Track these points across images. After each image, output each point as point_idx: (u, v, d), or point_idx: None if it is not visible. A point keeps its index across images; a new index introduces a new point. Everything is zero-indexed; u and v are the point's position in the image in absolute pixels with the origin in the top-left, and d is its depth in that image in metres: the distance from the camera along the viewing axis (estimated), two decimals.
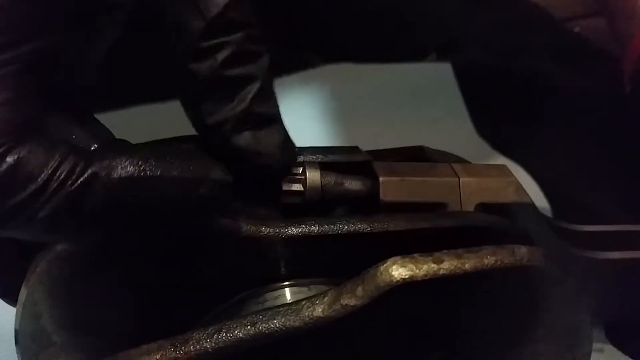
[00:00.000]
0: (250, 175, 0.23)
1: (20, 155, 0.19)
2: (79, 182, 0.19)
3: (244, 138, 0.22)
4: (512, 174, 0.29)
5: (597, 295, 0.33)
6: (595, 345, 0.36)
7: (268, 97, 0.23)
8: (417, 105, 0.56)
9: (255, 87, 0.22)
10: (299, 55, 0.63)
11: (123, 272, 0.25)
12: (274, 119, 0.23)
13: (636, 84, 0.46)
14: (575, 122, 0.54)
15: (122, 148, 0.21)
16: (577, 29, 0.69)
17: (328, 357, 0.22)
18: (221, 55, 0.21)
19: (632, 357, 0.35)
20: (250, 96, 0.22)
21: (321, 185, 0.26)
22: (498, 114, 0.56)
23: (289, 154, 0.24)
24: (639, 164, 0.48)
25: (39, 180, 0.19)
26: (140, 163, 0.20)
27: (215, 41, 0.21)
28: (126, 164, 0.20)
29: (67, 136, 0.21)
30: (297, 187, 0.26)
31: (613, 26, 0.50)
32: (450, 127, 0.54)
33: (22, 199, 0.19)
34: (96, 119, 0.23)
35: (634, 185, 0.47)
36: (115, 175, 0.20)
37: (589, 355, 0.25)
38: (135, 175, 0.20)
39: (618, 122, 0.52)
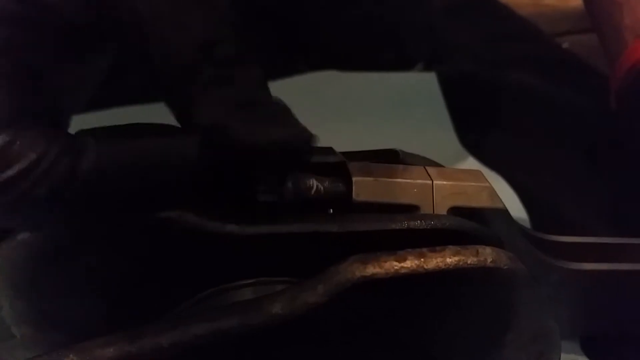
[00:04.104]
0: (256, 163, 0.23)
1: (18, 133, 0.20)
2: (76, 151, 0.20)
3: (237, 123, 0.22)
4: (487, 180, 0.28)
5: (572, 306, 0.33)
6: (570, 357, 0.36)
7: (259, 88, 0.23)
8: (399, 113, 0.56)
9: (243, 81, 0.22)
10: (286, 62, 0.63)
11: (88, 264, 0.24)
12: (267, 104, 0.23)
13: (622, 101, 0.47)
14: (560, 134, 0.54)
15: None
16: (565, 45, 0.69)
17: (289, 356, 0.21)
18: (208, 65, 0.22)
19: None
20: (239, 88, 0.22)
21: (299, 187, 0.26)
22: (482, 124, 0.56)
23: (287, 133, 0.23)
24: (622, 177, 0.48)
25: (40, 151, 0.20)
26: (116, 132, 0.21)
27: (202, 56, 0.22)
28: (106, 134, 0.21)
29: None
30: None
31: (603, 44, 0.51)
32: (432, 136, 0.54)
33: (24, 168, 0.19)
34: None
35: (616, 198, 0.47)
36: (103, 143, 0.21)
37: None
38: (118, 140, 0.21)
39: (602, 135, 0.52)
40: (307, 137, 0.24)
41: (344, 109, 0.56)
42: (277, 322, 0.19)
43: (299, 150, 0.24)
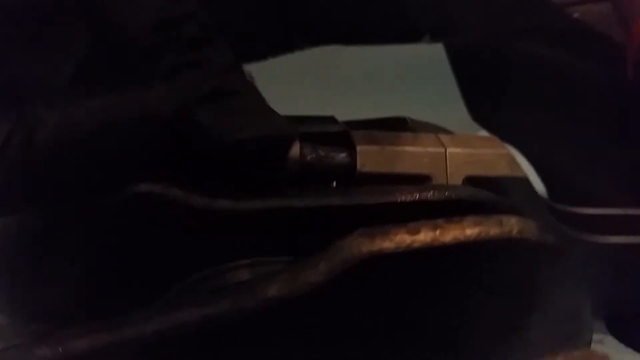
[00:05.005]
0: (231, 158, 0.21)
1: None
2: (30, 123, 0.18)
3: (208, 115, 0.20)
4: (505, 146, 0.26)
5: (597, 282, 0.31)
6: (595, 336, 0.33)
7: (229, 73, 0.21)
8: (406, 87, 0.53)
9: (212, 66, 0.20)
10: (285, 37, 0.61)
11: (65, 247, 0.22)
12: (239, 93, 0.21)
13: (639, 69, 0.44)
14: (574, 105, 0.52)
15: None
16: (576, 14, 0.67)
17: (290, 344, 0.19)
18: (171, 48, 0.20)
19: (635, 350, 0.33)
20: (208, 75, 0.20)
21: (300, 159, 0.24)
22: (493, 97, 0.54)
23: (263, 128, 0.21)
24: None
25: None
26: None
27: (162, 36, 0.20)
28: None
29: None
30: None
31: (617, 10, 0.48)
32: (442, 110, 0.51)
33: None
34: None
35: (635, 169, 0.45)
36: (59, 109, 0.19)
37: (589, 345, 0.22)
38: (76, 104, 0.19)
39: (619, 105, 0.50)
40: (288, 132, 0.22)
41: (350, 83, 0.54)
42: (273, 305, 0.17)
43: (278, 147, 0.22)
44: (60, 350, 0.17)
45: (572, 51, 0.58)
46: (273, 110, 0.22)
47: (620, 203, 0.36)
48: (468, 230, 0.17)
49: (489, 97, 0.55)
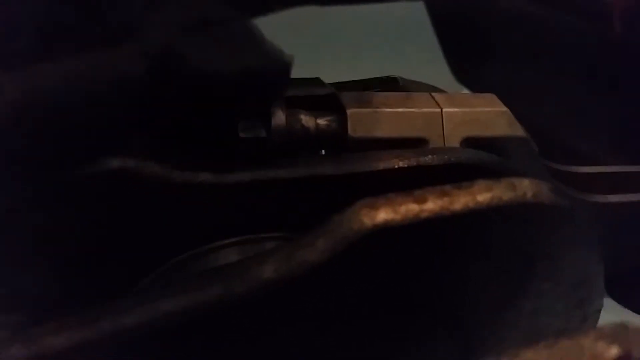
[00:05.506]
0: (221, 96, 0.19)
1: None
2: None
3: (194, 49, 0.18)
4: (503, 104, 0.24)
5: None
6: None
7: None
8: (388, 48, 0.51)
9: None
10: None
11: (38, 231, 0.20)
12: (226, 20, 0.19)
13: (627, 23, 0.43)
14: (562, 61, 0.50)
15: None
16: None
17: (288, 329, 0.17)
18: None
19: (635, 312, 0.32)
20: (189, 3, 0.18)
21: (286, 126, 0.22)
22: (476, 55, 0.52)
23: (258, 57, 0.19)
24: (630, 103, 0.45)
25: None
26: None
27: None
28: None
29: None
30: (258, 132, 0.21)
31: None
32: (424, 71, 0.50)
33: None
34: None
35: (625, 125, 0.44)
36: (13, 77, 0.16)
37: (599, 312, 0.21)
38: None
39: (607, 61, 0.48)
40: (284, 61, 0.20)
41: (328, 45, 0.52)
42: (268, 288, 0.15)
43: (275, 78, 0.19)
44: (35, 348, 0.16)
45: (557, 5, 0.56)
46: (265, 37, 0.19)
47: (615, 160, 0.35)
48: (479, 196, 0.16)
49: (471, 55, 0.53)
